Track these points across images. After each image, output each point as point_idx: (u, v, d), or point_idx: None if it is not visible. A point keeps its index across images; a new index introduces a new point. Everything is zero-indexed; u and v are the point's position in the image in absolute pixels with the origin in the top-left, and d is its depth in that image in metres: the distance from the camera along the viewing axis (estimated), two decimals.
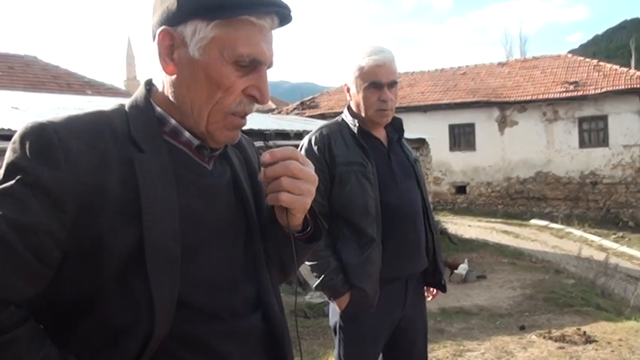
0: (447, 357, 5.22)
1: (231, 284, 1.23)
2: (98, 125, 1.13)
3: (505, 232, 17.48)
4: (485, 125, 22.47)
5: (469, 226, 18.22)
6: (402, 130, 2.80)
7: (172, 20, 1.14)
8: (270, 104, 38.79)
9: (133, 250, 1.06)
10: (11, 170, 1.04)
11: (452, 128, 23.08)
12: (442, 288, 2.88)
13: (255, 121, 12.54)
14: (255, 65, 1.17)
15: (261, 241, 1.32)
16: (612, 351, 5.35)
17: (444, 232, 15.25)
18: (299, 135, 9.64)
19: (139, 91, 1.25)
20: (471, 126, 22.87)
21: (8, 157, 1.06)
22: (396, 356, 2.73)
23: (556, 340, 5.75)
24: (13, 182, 1.03)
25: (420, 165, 2.84)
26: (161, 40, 1.16)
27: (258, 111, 25.89)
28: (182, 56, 1.16)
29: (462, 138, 23.17)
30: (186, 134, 1.21)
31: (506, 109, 22.12)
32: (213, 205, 1.23)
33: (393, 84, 2.59)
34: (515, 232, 17.38)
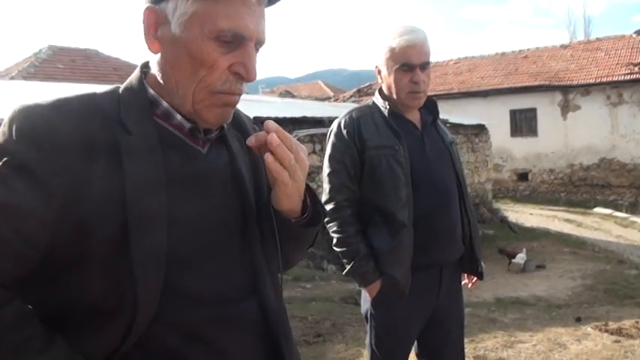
0: (497, 348, 5.13)
1: (223, 270, 1.20)
2: (87, 108, 1.12)
3: (567, 220, 17.02)
4: (547, 110, 21.89)
5: (530, 214, 17.84)
6: (437, 112, 2.71)
7: None
8: (328, 92, 38.82)
9: (118, 234, 1.06)
10: None
11: (513, 113, 22.58)
12: (479, 275, 2.78)
13: (312, 108, 12.61)
14: (239, 41, 1.13)
15: (259, 227, 1.29)
16: None
17: (504, 221, 15.01)
18: None
19: (134, 74, 1.23)
20: (533, 111, 22.31)
21: None
22: (430, 345, 2.67)
23: (612, 333, 5.57)
24: None
25: (456, 148, 2.75)
26: (145, 18, 1.15)
27: (316, 99, 25.98)
28: (165, 34, 1.14)
29: (523, 123, 22.63)
30: (178, 117, 1.19)
31: (568, 93, 21.48)
32: (205, 189, 1.20)
33: (425, 65, 2.50)
34: (578, 221, 16.89)
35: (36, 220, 1.03)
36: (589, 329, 5.78)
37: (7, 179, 1.02)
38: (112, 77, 17.50)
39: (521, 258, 10.40)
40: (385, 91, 2.61)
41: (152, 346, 1.10)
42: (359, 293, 7.11)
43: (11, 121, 1.07)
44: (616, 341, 5.32)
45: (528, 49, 25.70)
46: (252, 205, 1.29)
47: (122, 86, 1.21)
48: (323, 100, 25.71)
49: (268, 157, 1.15)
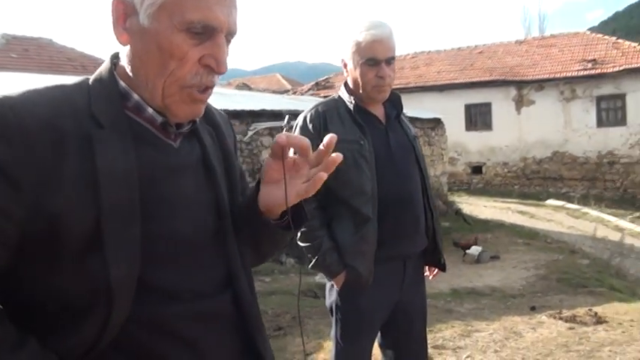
0: (455, 337, 5.18)
1: (197, 265, 1.18)
2: (57, 101, 1.08)
3: (521, 212, 17.34)
4: (501, 104, 22.27)
5: (485, 206, 18.11)
6: (401, 107, 2.72)
7: None
8: (286, 85, 38.73)
9: (91, 230, 1.03)
10: None
11: (468, 108, 22.90)
12: (442, 267, 2.83)
13: (270, 101, 12.53)
14: (210, 32, 1.10)
15: (232, 221, 1.28)
16: (623, 332, 5.28)
17: (458, 213, 15.19)
18: None
19: (104, 65, 1.20)
20: (488, 105, 22.66)
21: None
22: (394, 336, 2.70)
23: (566, 321, 5.68)
24: None
25: (418, 141, 2.77)
26: (114, 9, 1.11)
27: (274, 92, 25.87)
28: (134, 25, 1.10)
29: (478, 117, 22.98)
30: (150, 110, 1.16)
31: (523, 88, 21.89)
32: (178, 184, 1.18)
33: (390, 60, 2.52)
34: (531, 213, 17.23)
35: (5, 217, 0.99)
36: (543, 317, 5.89)
37: None
38: (66, 67, 17.09)
39: (476, 250, 10.54)
40: (351, 84, 2.62)
41: (127, 343, 1.08)
42: (318, 287, 7.14)
43: None
44: (570, 328, 5.43)
45: (484, 45, 26.05)
46: (225, 200, 1.27)
47: (92, 77, 1.17)
48: (281, 93, 25.59)
49: (324, 176, 1.16)
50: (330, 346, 4.83)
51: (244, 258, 1.30)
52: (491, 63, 23.68)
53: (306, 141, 1.15)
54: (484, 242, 11.56)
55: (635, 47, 21.05)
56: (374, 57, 2.48)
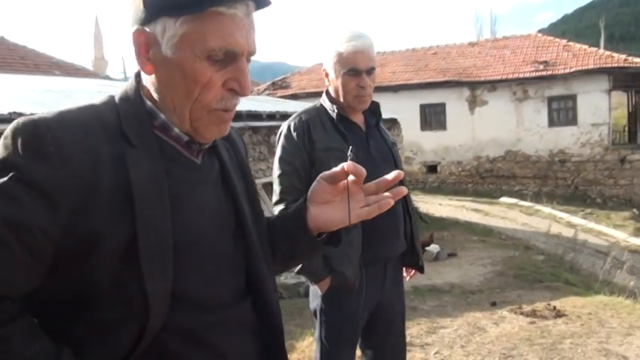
0: (422, 334, 5.25)
1: (221, 275, 1.23)
2: (90, 121, 1.12)
3: (475, 210, 17.65)
4: (455, 105, 22.62)
5: (440, 204, 18.35)
6: (380, 115, 2.80)
7: (143, 20, 1.13)
8: None
9: (126, 246, 1.06)
10: (4, 167, 1.03)
11: (423, 108, 23.18)
12: (420, 269, 2.93)
13: None
14: (231, 57, 1.14)
15: (254, 232, 1.33)
16: (582, 324, 5.44)
17: (415, 211, 15.36)
18: (271, 116, 9.53)
19: (129, 84, 1.23)
20: (442, 105, 22.99)
21: (1, 152, 1.05)
22: (374, 337, 2.76)
23: (527, 316, 5.82)
24: (6, 179, 1.02)
25: (396, 148, 2.86)
26: (135, 40, 1.15)
27: None
28: (157, 55, 1.14)
29: (432, 117, 23.28)
30: (176, 130, 1.21)
31: (476, 89, 22.28)
32: (202, 198, 1.23)
33: (371, 70, 2.59)
34: (485, 210, 17.56)
35: (43, 235, 1.03)
36: (505, 313, 6.02)
37: (15, 194, 1.02)
38: (17, 66, 16.59)
39: (434, 247, 10.69)
40: (332, 93, 2.68)
41: (158, 351, 1.12)
42: (284, 287, 7.13)
43: (15, 133, 1.05)
44: (531, 322, 5.57)
45: (437, 46, 26.43)
46: (245, 212, 1.32)
47: (117, 96, 1.21)
48: None
49: (391, 202, 1.34)
50: (302, 346, 4.90)
51: (268, 268, 1.37)
52: (445, 64, 24.02)
53: (364, 171, 1.30)
54: (440, 240, 11.73)
55: (585, 49, 21.68)
56: (355, 67, 2.54)
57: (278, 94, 23.21)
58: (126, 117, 1.16)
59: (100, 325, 1.08)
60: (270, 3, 1.19)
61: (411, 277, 2.98)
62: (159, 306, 1.09)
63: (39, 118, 1.07)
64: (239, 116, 9.64)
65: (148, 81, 1.19)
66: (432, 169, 23.29)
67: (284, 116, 9.86)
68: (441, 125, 23.09)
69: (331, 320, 2.63)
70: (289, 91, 24.28)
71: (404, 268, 2.92)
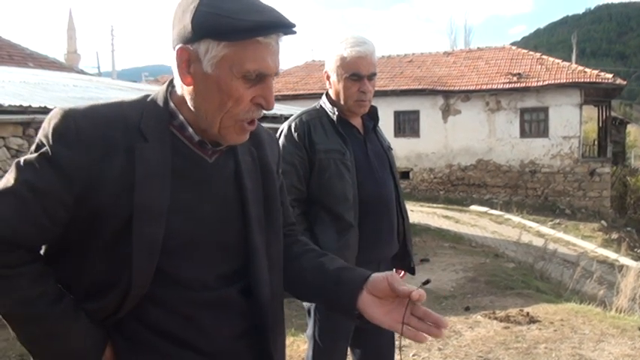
0: (398, 336, 5.27)
1: (209, 262, 1.38)
2: (113, 116, 1.32)
3: (446, 217, 17.83)
4: (429, 113, 22.83)
5: (411, 210, 18.18)
6: (377, 118, 2.86)
7: (188, 39, 1.28)
8: None
9: (123, 224, 1.26)
10: (39, 144, 1.29)
11: (397, 115, 23.32)
12: (411, 270, 2.95)
13: None
14: (261, 77, 1.30)
15: (257, 231, 1.45)
16: (555, 330, 5.54)
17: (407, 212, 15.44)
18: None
19: (162, 89, 1.42)
20: (416, 113, 23.17)
21: (40, 133, 1.30)
22: (364, 336, 2.76)
23: (501, 321, 5.90)
24: (37, 155, 1.27)
25: (391, 151, 2.91)
26: (179, 56, 1.30)
27: None
28: (197, 70, 1.30)
29: (406, 124, 23.45)
30: (190, 130, 1.37)
31: (450, 98, 22.52)
32: (205, 195, 1.38)
33: (372, 76, 2.65)
34: (456, 218, 17.76)
35: (59, 202, 1.25)
36: (479, 317, 6.09)
37: (42, 167, 1.25)
38: (6, 63, 16.21)
39: None
40: (333, 96, 2.73)
41: (142, 316, 1.32)
42: None
43: (50, 119, 1.29)
44: (505, 327, 5.64)
45: (413, 54, 26.64)
46: (251, 213, 1.45)
47: (150, 97, 1.40)
48: None
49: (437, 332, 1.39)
50: (293, 343, 4.91)
51: (275, 267, 1.50)
52: (420, 72, 24.22)
53: (425, 297, 1.36)
54: (413, 246, 11.78)
55: (558, 64, 22.11)
56: (357, 72, 2.60)
57: None
58: (147, 115, 1.35)
59: (94, 285, 1.31)
60: (295, 32, 1.33)
61: (402, 276, 2.96)
62: (142, 278, 1.27)
63: (69, 109, 1.30)
64: None
65: (185, 92, 1.34)
66: (405, 175, 23.43)
67: (265, 118, 9.83)
68: (415, 132, 23.28)
69: (325, 319, 2.65)
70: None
71: (395, 270, 2.89)
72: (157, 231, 1.28)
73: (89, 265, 1.30)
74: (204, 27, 1.25)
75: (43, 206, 1.24)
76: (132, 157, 1.28)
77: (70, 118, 1.28)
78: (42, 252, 1.34)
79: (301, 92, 23.31)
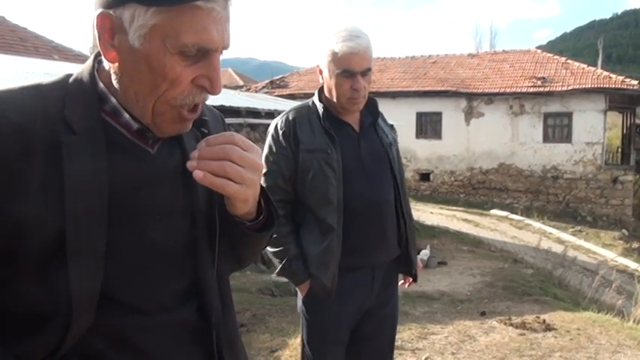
0: (412, 339, 5.29)
1: (161, 277, 1.14)
2: (29, 103, 1.05)
3: (466, 220, 17.76)
4: (452, 115, 22.76)
5: (431, 212, 18.43)
6: (377, 113, 2.68)
7: (110, 3, 1.03)
8: (238, 80, 38.52)
9: (54, 240, 1.00)
10: None
11: (419, 116, 23.29)
12: (413, 277, 2.81)
13: (227, 97, 12.42)
14: (204, 53, 1.05)
15: (208, 230, 1.22)
16: (571, 339, 5.49)
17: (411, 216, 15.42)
18: (270, 114, 9.55)
19: (86, 65, 1.15)
20: (438, 115, 23.11)
21: None
22: (364, 343, 2.69)
23: (516, 327, 5.87)
24: None
25: (394, 149, 2.71)
26: (99, 25, 1.04)
27: (226, 87, 25.65)
28: (122, 43, 1.04)
29: (428, 126, 23.41)
30: (126, 115, 1.11)
31: (473, 100, 22.42)
32: (151, 193, 1.13)
33: (366, 71, 2.48)
34: (476, 221, 17.67)
35: None
36: (494, 323, 6.05)
37: None
38: (17, 48, 16.42)
39: (424, 254, 10.71)
40: (326, 92, 2.58)
41: (87, 352, 1.06)
42: (276, 285, 7.13)
43: None
44: (521, 334, 5.61)
45: (437, 55, 26.58)
46: (201, 208, 1.21)
47: (72, 77, 1.13)
48: (233, 88, 25.43)
49: (197, 174, 1.05)
50: (295, 343, 4.92)
51: (220, 266, 1.25)
52: (444, 74, 24.15)
53: None
54: (430, 248, 11.78)
55: (584, 68, 21.92)
56: (350, 69, 2.44)
57: (275, 93, 23.23)
58: (72, 100, 1.08)
59: (26, 318, 1.04)
60: None
61: (409, 284, 2.88)
62: (84, 306, 1.03)
63: None
64: (237, 112, 9.65)
65: (111, 68, 1.09)
66: (425, 177, 23.39)
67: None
68: (437, 134, 23.21)
69: (313, 323, 2.59)
70: (287, 91, 24.32)
71: (400, 275, 2.80)
72: (97, 244, 1.03)
73: (17, 295, 1.03)
74: None
75: None
76: (57, 153, 1.02)
77: None
78: None
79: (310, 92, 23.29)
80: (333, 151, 2.48)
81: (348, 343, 2.69)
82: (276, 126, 2.57)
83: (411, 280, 2.85)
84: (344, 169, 2.48)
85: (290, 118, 2.56)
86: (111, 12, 1.02)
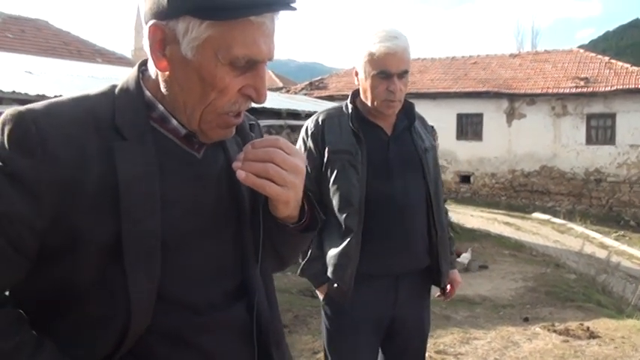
0: (455, 344, 5.34)
1: (213, 277, 1.20)
2: (80, 113, 1.10)
3: (507, 223, 17.57)
4: (493, 116, 22.53)
5: (472, 215, 18.30)
6: (414, 117, 2.61)
7: (163, 15, 1.07)
8: (278, 82, 38.77)
9: (111, 243, 1.05)
10: None
11: (460, 117, 23.13)
12: (442, 291, 2.77)
13: (269, 99, 12.52)
14: (252, 64, 1.11)
15: (253, 231, 1.27)
16: (615, 347, 5.47)
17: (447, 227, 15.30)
18: (309, 116, 9.61)
19: (132, 74, 1.20)
20: (479, 116, 22.92)
21: None
22: (391, 353, 2.68)
23: (560, 334, 5.86)
24: None
25: (431, 155, 2.62)
26: (152, 35, 1.09)
27: (267, 89, 25.71)
28: (174, 54, 1.09)
29: (469, 127, 23.23)
30: (174, 122, 1.16)
31: (515, 101, 22.17)
32: (200, 196, 1.18)
33: (403, 74, 2.43)
34: (517, 225, 17.47)
35: (26, 228, 1.02)
36: (538, 329, 6.06)
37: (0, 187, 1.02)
38: (61, 52, 16.99)
39: (465, 258, 10.68)
40: (361, 94, 2.56)
41: (145, 353, 1.11)
42: (294, 284, 7.15)
43: (3, 125, 1.05)
44: (565, 341, 5.61)
45: (478, 56, 26.31)
46: (246, 210, 1.26)
47: (118, 87, 1.18)
48: (273, 90, 25.65)
49: (240, 174, 1.12)
50: (306, 339, 5.02)
51: (265, 267, 1.31)
52: (485, 74, 23.93)
53: None
54: (471, 252, 11.72)
55: (627, 68, 21.46)
56: (386, 70, 2.40)
57: (314, 95, 23.34)
58: (121, 108, 1.13)
59: (84, 322, 1.08)
60: (295, 9, 1.11)
61: (445, 298, 2.84)
62: (143, 307, 1.07)
63: (26, 110, 1.05)
64: (278, 114, 9.78)
65: (160, 77, 1.14)
66: (466, 179, 23.22)
67: None
68: (477, 136, 23.02)
69: (330, 327, 2.59)
70: (326, 92, 24.39)
71: (433, 287, 2.71)
72: (152, 245, 1.08)
73: (76, 298, 1.07)
74: (184, 1, 1.05)
75: (7, 235, 1.01)
76: (110, 160, 1.06)
77: (29, 119, 1.03)
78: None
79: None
80: (359, 153, 2.45)
81: (382, 351, 2.68)
82: (306, 127, 2.59)
83: (450, 289, 2.78)
84: (368, 172, 2.45)
85: (320, 119, 2.57)
86: (164, 23, 1.07)
